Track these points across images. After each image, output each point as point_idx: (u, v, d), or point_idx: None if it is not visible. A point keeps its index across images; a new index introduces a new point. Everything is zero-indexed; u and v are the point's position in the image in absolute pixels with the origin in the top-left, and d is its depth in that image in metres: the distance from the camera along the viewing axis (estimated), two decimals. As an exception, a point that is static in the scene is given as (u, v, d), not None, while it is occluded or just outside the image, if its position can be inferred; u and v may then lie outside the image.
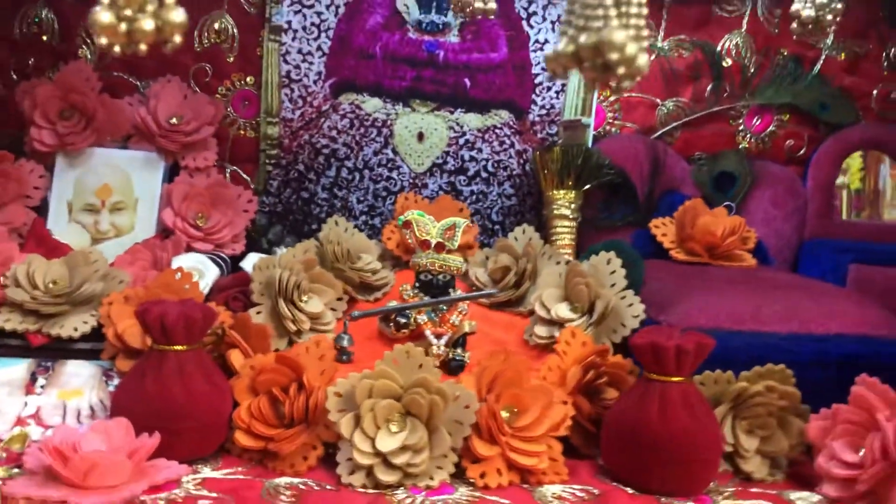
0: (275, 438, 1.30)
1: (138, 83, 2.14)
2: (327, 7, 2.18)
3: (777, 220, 2.19)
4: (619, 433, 1.31)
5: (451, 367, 1.54)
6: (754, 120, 2.32)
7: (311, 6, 2.17)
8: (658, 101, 2.30)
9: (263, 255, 1.83)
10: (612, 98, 2.29)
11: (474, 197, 2.25)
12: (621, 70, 0.67)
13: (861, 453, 1.23)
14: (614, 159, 2.11)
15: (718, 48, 2.29)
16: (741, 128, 2.32)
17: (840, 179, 2.29)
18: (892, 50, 2.31)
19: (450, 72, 2.22)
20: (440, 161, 2.24)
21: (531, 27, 2.24)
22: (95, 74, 2.02)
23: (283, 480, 1.26)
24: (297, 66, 2.19)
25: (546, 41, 2.24)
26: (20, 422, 1.37)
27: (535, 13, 2.23)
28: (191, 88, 2.13)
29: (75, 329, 1.55)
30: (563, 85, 2.23)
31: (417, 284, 1.65)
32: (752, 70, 2.30)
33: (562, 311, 1.61)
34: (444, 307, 1.62)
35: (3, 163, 1.91)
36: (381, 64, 2.21)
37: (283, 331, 1.58)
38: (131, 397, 1.30)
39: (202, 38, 2.16)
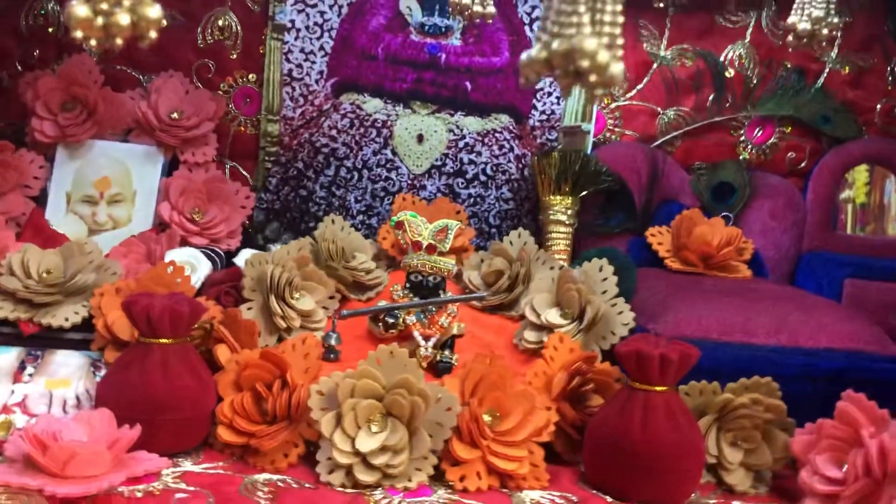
0: (256, 434, 1.30)
1: (141, 77, 2.15)
2: (330, 7, 2.19)
3: (775, 232, 2.18)
4: (600, 440, 1.31)
5: (439, 369, 1.54)
6: (756, 131, 2.31)
7: (315, 6, 2.18)
8: (659, 109, 2.29)
9: (258, 252, 1.84)
10: (612, 105, 2.28)
11: (472, 200, 2.25)
12: (593, 77, 0.67)
13: (844, 469, 1.22)
14: (612, 166, 2.10)
15: (721, 58, 2.28)
16: (742, 138, 2.31)
17: (845, 193, 2.27)
18: (897, 64, 2.30)
19: (451, 75, 2.22)
20: (439, 163, 2.24)
21: (533, 33, 2.24)
22: (98, 67, 2.03)
23: (261, 477, 1.26)
24: (300, 65, 2.20)
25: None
26: (5, 409, 1.38)
27: (537, 19, 2.23)
28: (193, 84, 2.14)
29: (66, 319, 1.55)
30: (565, 91, 2.23)
31: (408, 285, 1.65)
32: (755, 81, 2.28)
33: (552, 316, 1.61)
34: (434, 309, 1.62)
35: (3, 152, 1.93)
36: (382, 65, 2.21)
37: (273, 327, 1.58)
38: (115, 389, 1.31)
39: (206, 34, 2.17)
